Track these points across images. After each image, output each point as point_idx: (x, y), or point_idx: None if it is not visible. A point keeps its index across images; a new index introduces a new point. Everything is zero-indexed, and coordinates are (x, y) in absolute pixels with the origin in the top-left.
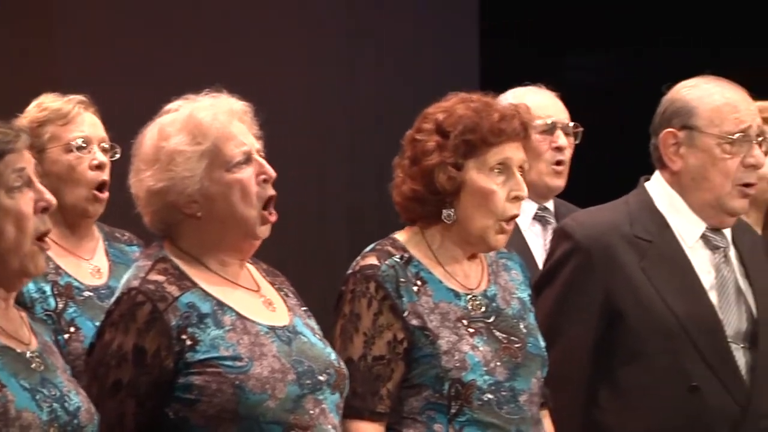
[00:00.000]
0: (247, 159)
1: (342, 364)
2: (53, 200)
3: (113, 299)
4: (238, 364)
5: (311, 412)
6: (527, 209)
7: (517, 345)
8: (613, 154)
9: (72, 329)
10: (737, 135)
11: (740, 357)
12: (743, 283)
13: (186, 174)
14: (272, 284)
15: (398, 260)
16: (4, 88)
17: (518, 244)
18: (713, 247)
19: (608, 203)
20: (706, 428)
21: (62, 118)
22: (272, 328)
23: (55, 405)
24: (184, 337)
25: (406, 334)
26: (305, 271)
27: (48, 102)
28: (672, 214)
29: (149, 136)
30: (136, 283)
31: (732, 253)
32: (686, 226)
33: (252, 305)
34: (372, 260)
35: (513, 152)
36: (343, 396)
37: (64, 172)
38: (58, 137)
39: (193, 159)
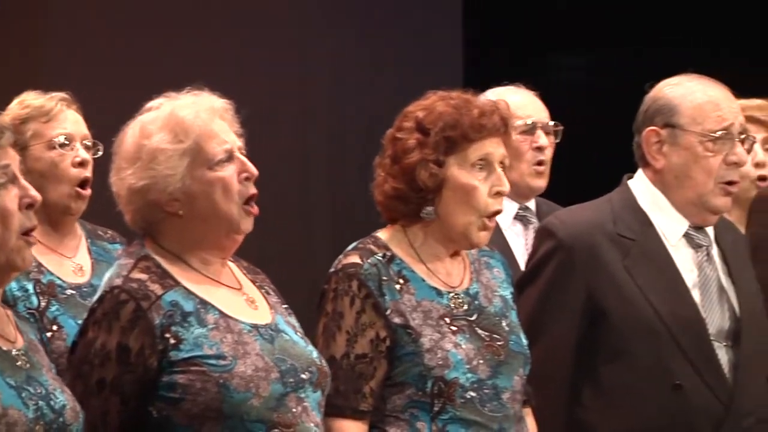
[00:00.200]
0: (229, 157)
1: (323, 362)
2: (38, 197)
3: (96, 297)
4: (222, 362)
5: (294, 410)
6: (508, 209)
7: (499, 343)
8: (599, 153)
9: (54, 327)
10: (720, 133)
11: (723, 355)
12: (726, 282)
13: (168, 172)
14: (253, 282)
15: (380, 258)
16: None
17: (499, 243)
18: (696, 246)
19: (591, 201)
20: (689, 427)
21: (45, 116)
22: (255, 327)
23: (41, 403)
24: (167, 335)
25: (388, 332)
26: (289, 270)
27: (30, 99)
28: (655, 212)
29: (130, 134)
30: (119, 282)
31: (715, 251)
32: (669, 224)
33: (234, 303)
34: (354, 259)
35: (494, 148)
36: (325, 394)
37: (46, 169)
38: (40, 134)
39: (175, 157)
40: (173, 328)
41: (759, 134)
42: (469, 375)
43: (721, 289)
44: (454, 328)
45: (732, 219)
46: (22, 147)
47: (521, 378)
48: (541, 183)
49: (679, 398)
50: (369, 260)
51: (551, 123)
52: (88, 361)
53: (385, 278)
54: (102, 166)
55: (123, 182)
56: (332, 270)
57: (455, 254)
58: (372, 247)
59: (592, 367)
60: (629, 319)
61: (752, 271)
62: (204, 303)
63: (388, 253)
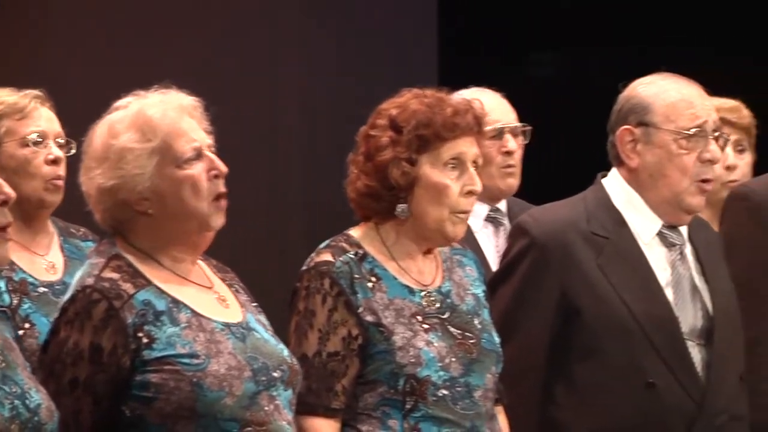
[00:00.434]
0: (198, 155)
1: (294, 360)
2: (12, 193)
3: (67, 296)
4: (195, 361)
5: (266, 408)
6: (479, 211)
7: (471, 341)
8: (574, 151)
9: (27, 325)
10: (693, 130)
11: (696, 354)
12: (699, 281)
13: (136, 171)
14: (223, 280)
15: (353, 256)
16: None
17: (470, 245)
18: (669, 245)
19: (565, 200)
20: (661, 425)
21: (18, 113)
22: (227, 325)
23: (17, 402)
24: (140, 334)
25: (360, 330)
26: (262, 269)
27: (4, 96)
28: (629, 211)
29: (98, 133)
30: (90, 281)
31: (688, 250)
32: (643, 223)
33: (206, 302)
34: (326, 257)
35: (467, 147)
36: (296, 392)
37: (19, 166)
38: (13, 132)
39: (143, 156)
40: (146, 328)
41: (731, 136)
42: (441, 373)
43: (695, 287)
44: (426, 326)
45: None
46: None
47: (493, 376)
48: (512, 182)
49: (652, 396)
50: (341, 258)
51: (519, 124)
52: (61, 360)
53: (357, 276)
54: (74, 164)
55: (92, 182)
56: (304, 268)
57: (428, 252)
58: (344, 245)
59: (565, 365)
60: (602, 317)
61: (726, 270)
62: (176, 302)
63: (361, 251)
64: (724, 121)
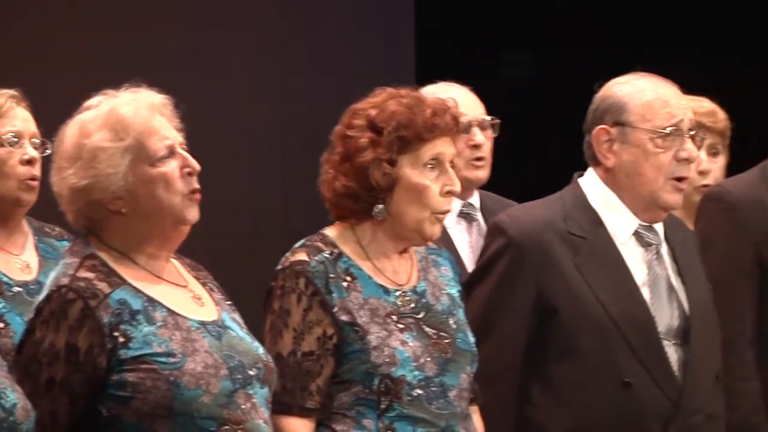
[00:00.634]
0: (171, 153)
1: (269, 358)
2: None
3: (42, 296)
4: (172, 360)
5: (243, 406)
6: (451, 207)
7: (446, 341)
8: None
9: (1, 325)
10: (669, 129)
11: (672, 353)
12: (675, 280)
13: (110, 171)
14: (197, 279)
15: (328, 256)
16: None
17: (444, 242)
18: (646, 244)
19: (542, 199)
20: (638, 424)
21: None
22: (202, 323)
23: None
24: (116, 334)
25: (335, 329)
26: (237, 267)
27: None
28: (605, 210)
29: (70, 133)
30: (65, 281)
31: (664, 249)
32: (619, 222)
33: (181, 300)
34: (301, 256)
35: (445, 147)
36: (272, 390)
37: None
38: None
39: (116, 155)
40: (122, 327)
41: (706, 140)
42: (416, 373)
43: (671, 287)
44: (401, 326)
45: None
46: None
47: (468, 376)
48: (480, 174)
49: (628, 396)
50: (316, 258)
51: (488, 118)
52: (37, 360)
53: (332, 276)
54: (49, 164)
55: (64, 182)
56: (279, 267)
57: (403, 252)
58: (319, 244)
59: (541, 365)
60: (579, 317)
61: (702, 269)
62: (151, 301)
63: (336, 251)
64: (698, 125)
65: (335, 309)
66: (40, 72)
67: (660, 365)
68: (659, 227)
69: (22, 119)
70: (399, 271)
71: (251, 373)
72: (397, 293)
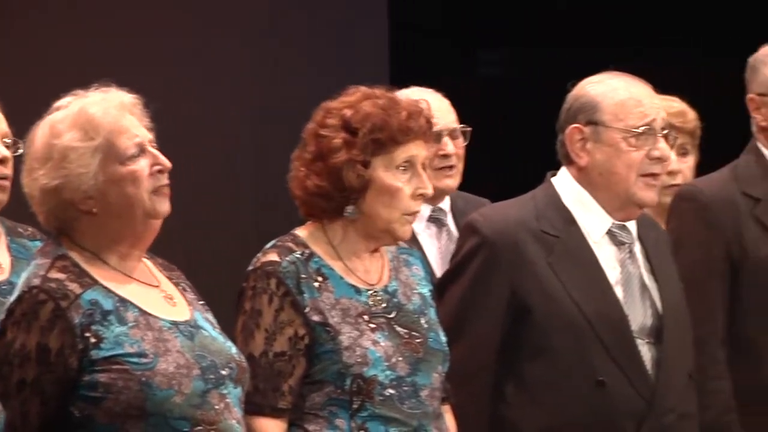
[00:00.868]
0: (141, 150)
1: (242, 357)
2: None
3: (13, 297)
4: (144, 360)
5: (216, 407)
6: (421, 212)
7: (418, 340)
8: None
9: None
10: (642, 128)
11: (645, 352)
12: (648, 279)
13: (80, 170)
14: (170, 279)
15: (299, 256)
16: None
17: (413, 247)
18: (619, 243)
19: (515, 199)
20: (611, 423)
21: None
22: (174, 323)
23: None
24: (87, 334)
25: (307, 330)
26: (210, 268)
27: None
28: (578, 209)
29: (40, 134)
30: (37, 282)
31: (637, 248)
32: (592, 221)
33: (153, 300)
34: (273, 257)
35: (418, 150)
36: (245, 390)
37: None
38: None
39: (87, 155)
40: (93, 327)
41: (677, 140)
42: (387, 372)
43: (644, 286)
44: (372, 326)
45: None
46: None
47: (440, 375)
48: (450, 184)
49: (601, 395)
50: (287, 258)
51: (459, 126)
52: (8, 361)
53: (303, 276)
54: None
55: (35, 182)
56: (251, 268)
57: (374, 251)
58: (290, 245)
59: (515, 364)
60: (552, 315)
61: (674, 269)
62: (123, 301)
63: (307, 251)
64: (669, 126)
65: (307, 309)
66: (40, 72)
67: (633, 364)
68: (632, 226)
69: None
70: (370, 271)
71: (224, 372)
72: (369, 293)
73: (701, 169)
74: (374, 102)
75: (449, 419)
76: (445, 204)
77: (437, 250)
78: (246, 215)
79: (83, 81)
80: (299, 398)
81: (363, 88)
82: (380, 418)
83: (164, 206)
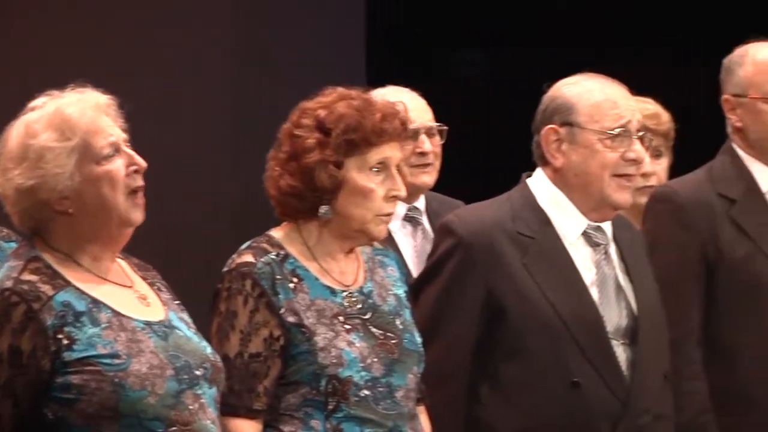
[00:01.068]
0: (116, 150)
1: (218, 358)
2: None
3: None
4: (117, 361)
5: (191, 407)
6: (397, 211)
7: (393, 341)
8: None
9: None
10: (617, 130)
11: (621, 353)
12: (623, 280)
13: (57, 171)
14: (144, 279)
15: (274, 257)
16: None
17: (389, 246)
18: (594, 244)
19: (490, 200)
20: (586, 424)
21: None
22: (148, 324)
23: None
24: (60, 336)
25: (282, 331)
26: (189, 268)
27: None
28: (554, 210)
29: (15, 134)
30: (9, 284)
31: (612, 250)
32: (568, 222)
33: (126, 301)
34: (248, 258)
35: (392, 152)
36: (220, 390)
37: None
38: None
39: (63, 155)
40: (66, 329)
41: (652, 142)
42: (363, 373)
43: (619, 287)
44: (347, 327)
45: None
46: None
47: (415, 376)
48: (426, 179)
49: (576, 396)
50: (263, 259)
51: (435, 124)
52: None
53: (278, 277)
54: None
55: (10, 183)
56: (226, 269)
57: (349, 252)
58: (266, 246)
59: (490, 365)
60: (528, 317)
61: (649, 270)
62: (96, 302)
63: (282, 252)
64: (642, 128)
65: (282, 310)
66: (40, 72)
67: (609, 365)
68: (607, 227)
69: None
70: (345, 272)
71: (198, 373)
72: (344, 294)
73: (675, 171)
74: (349, 103)
75: (424, 420)
76: (420, 203)
77: (413, 248)
78: (223, 215)
79: (110, 80)
80: (274, 399)
81: (340, 89)
82: (355, 419)
83: (138, 215)
